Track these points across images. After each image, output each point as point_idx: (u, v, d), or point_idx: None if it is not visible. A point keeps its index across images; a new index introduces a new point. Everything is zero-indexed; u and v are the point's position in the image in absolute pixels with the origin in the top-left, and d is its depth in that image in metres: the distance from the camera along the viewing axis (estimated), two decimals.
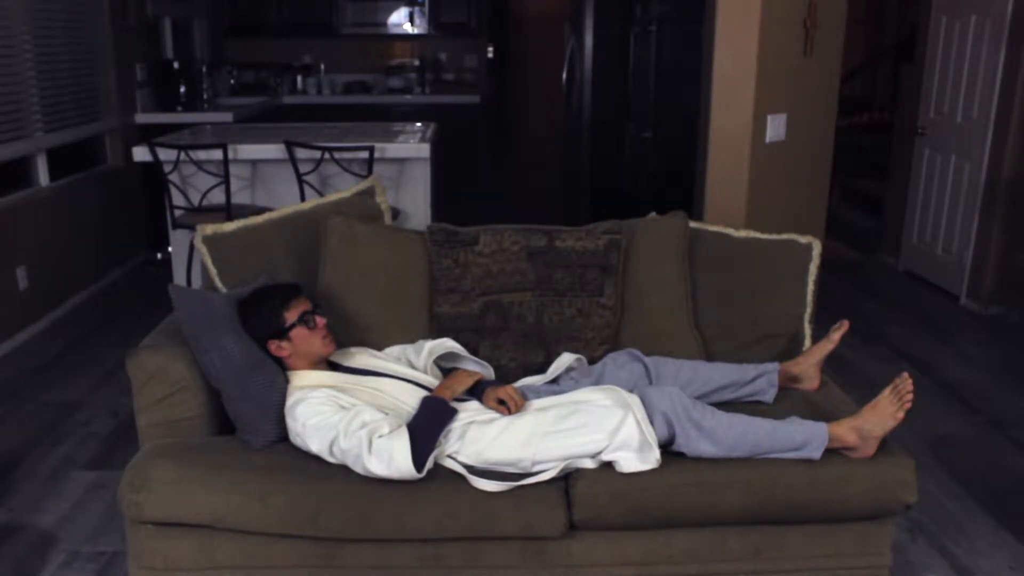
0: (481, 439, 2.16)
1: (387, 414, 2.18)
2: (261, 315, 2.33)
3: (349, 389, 2.28)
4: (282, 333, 2.31)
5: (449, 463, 2.17)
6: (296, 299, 2.36)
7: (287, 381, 2.32)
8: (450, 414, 2.19)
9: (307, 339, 2.33)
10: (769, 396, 2.51)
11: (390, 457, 2.05)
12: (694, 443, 2.15)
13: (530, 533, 2.13)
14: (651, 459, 2.12)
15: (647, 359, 2.50)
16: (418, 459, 2.05)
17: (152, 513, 2.12)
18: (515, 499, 2.11)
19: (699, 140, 3.98)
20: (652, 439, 2.12)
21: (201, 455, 2.21)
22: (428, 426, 2.13)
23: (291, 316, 2.32)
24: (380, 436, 2.08)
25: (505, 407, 2.24)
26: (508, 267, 2.66)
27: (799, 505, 2.18)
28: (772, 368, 2.52)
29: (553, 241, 2.67)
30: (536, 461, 2.13)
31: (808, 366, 2.55)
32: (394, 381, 2.35)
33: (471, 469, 2.15)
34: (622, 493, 2.12)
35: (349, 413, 2.15)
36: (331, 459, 2.16)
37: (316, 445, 2.16)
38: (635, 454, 2.12)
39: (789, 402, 2.50)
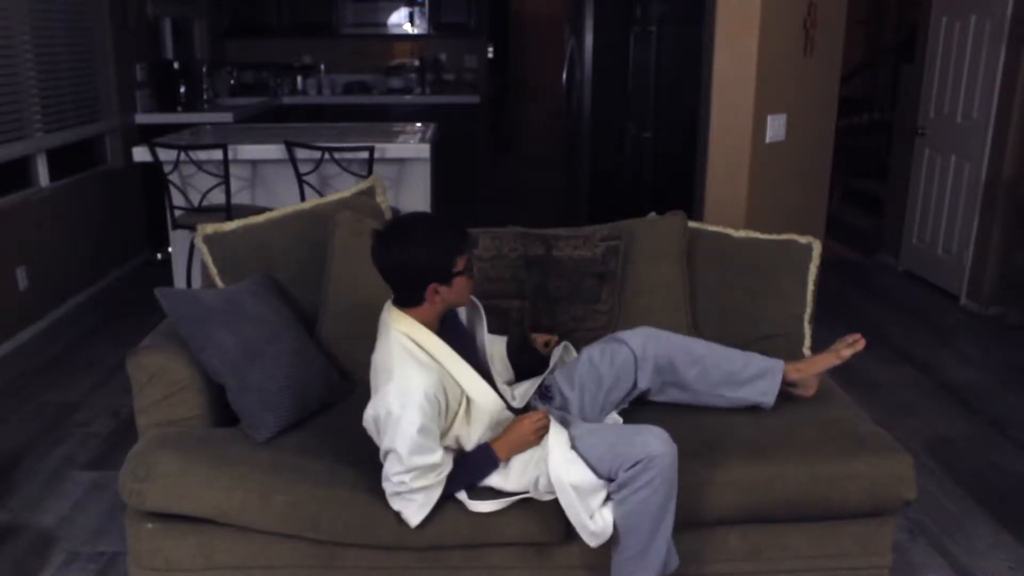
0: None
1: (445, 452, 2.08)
2: (436, 251, 2.07)
3: (445, 380, 2.10)
4: (448, 278, 2.09)
5: None
6: (467, 241, 2.16)
7: (388, 323, 2.13)
8: (493, 469, 2.12)
9: (462, 290, 2.14)
10: (770, 399, 2.39)
11: (408, 504, 2.03)
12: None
13: (530, 539, 2.13)
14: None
15: (634, 340, 2.37)
16: (425, 515, 2.05)
17: (153, 503, 2.12)
18: (514, 510, 2.11)
19: (699, 140, 3.98)
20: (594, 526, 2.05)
21: (205, 448, 2.21)
22: (465, 479, 2.09)
23: (462, 262, 2.10)
24: (421, 486, 2.02)
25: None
26: (506, 274, 2.68)
27: (799, 503, 2.18)
28: (776, 367, 2.39)
29: (551, 250, 2.68)
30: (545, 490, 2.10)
31: (808, 375, 2.43)
32: (471, 372, 2.17)
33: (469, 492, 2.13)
34: None
35: (433, 457, 2.02)
36: (382, 457, 2.05)
37: (388, 444, 2.01)
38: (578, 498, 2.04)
39: (796, 416, 2.49)
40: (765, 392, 2.39)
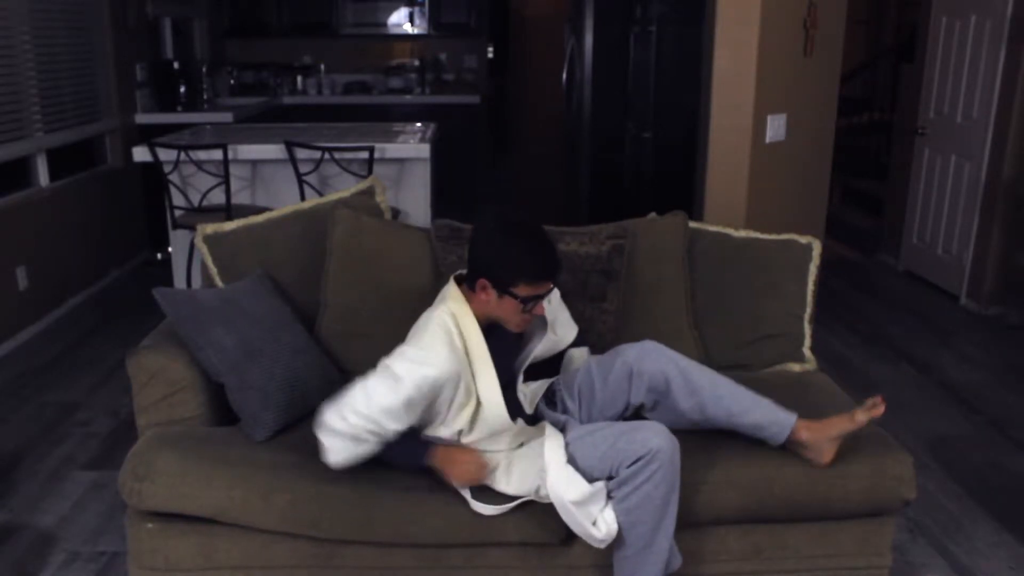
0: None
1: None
2: (509, 259, 2.09)
3: (464, 375, 2.12)
4: (501, 291, 2.11)
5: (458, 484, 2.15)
6: (551, 280, 2.15)
7: (446, 296, 2.18)
8: (415, 467, 2.13)
9: (510, 313, 2.14)
10: (777, 439, 2.21)
11: (340, 445, 2.05)
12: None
13: (530, 540, 2.13)
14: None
15: (631, 352, 2.25)
16: (344, 463, 2.08)
17: (153, 502, 2.12)
18: (515, 510, 2.11)
19: (699, 140, 3.98)
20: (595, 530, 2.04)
21: (205, 447, 2.21)
22: (391, 456, 2.11)
23: (525, 290, 2.11)
24: (365, 439, 2.05)
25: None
26: None
27: (799, 503, 2.18)
28: (786, 422, 2.18)
29: (557, 244, 2.66)
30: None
31: (821, 439, 2.17)
32: (493, 380, 2.16)
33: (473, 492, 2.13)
34: None
35: (397, 425, 2.05)
36: (350, 388, 2.06)
37: (369, 387, 2.03)
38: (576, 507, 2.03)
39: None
40: (765, 439, 2.21)
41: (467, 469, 2.10)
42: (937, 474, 3.21)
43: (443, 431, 2.16)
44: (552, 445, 2.09)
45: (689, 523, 2.16)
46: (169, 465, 2.12)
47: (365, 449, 2.08)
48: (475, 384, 2.15)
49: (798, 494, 2.17)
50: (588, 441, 2.07)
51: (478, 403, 2.16)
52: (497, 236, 2.12)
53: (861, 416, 2.13)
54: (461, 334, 2.13)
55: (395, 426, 2.06)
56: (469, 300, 2.18)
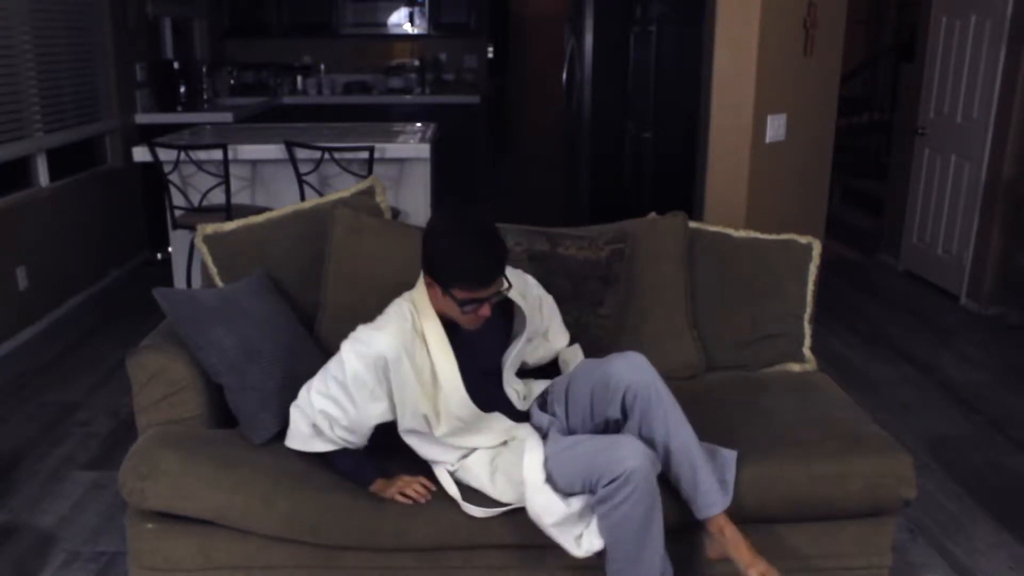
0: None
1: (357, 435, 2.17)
2: (441, 261, 2.08)
3: (418, 351, 2.14)
4: (443, 289, 2.10)
5: (446, 483, 2.17)
6: (486, 287, 2.09)
7: (413, 289, 2.23)
8: (362, 485, 2.18)
9: (454, 312, 2.13)
10: (703, 510, 2.10)
11: (299, 426, 2.17)
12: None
13: (529, 542, 2.13)
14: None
15: (615, 363, 2.16)
16: (299, 447, 2.19)
17: (154, 503, 2.11)
18: (514, 511, 2.11)
19: (699, 140, 3.98)
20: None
21: (207, 448, 2.21)
22: (343, 469, 2.19)
23: (459, 294, 2.08)
24: (318, 422, 2.13)
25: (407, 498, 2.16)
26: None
27: (799, 502, 2.18)
28: (719, 501, 2.09)
29: (556, 247, 2.66)
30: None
31: (726, 542, 2.08)
32: (451, 363, 2.17)
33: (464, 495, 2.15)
34: None
35: (339, 404, 2.11)
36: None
37: (325, 367, 2.17)
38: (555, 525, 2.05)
39: (796, 416, 2.49)
40: (696, 502, 2.11)
41: (406, 483, 2.15)
42: (937, 474, 3.21)
43: (411, 421, 2.14)
44: (531, 462, 2.09)
45: (689, 523, 2.16)
46: (172, 466, 2.12)
47: (319, 441, 2.16)
48: (432, 362, 2.17)
49: (798, 494, 2.17)
50: (567, 456, 2.08)
51: (437, 384, 2.17)
52: (441, 236, 2.10)
53: (753, 573, 2.03)
54: (418, 320, 2.17)
55: (333, 410, 2.11)
56: (430, 289, 2.19)
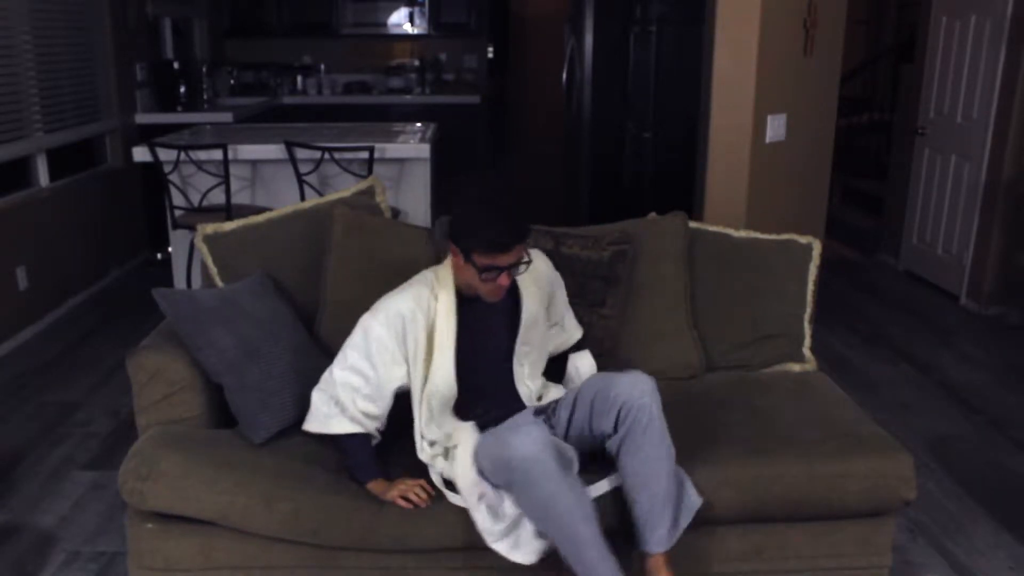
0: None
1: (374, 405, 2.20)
2: (463, 226, 2.14)
3: (425, 318, 2.21)
4: (465, 257, 2.15)
5: (435, 476, 2.18)
6: (505, 252, 2.12)
7: (435, 272, 2.29)
8: (358, 480, 2.18)
9: (474, 279, 2.17)
10: (650, 543, 2.08)
11: (314, 413, 2.23)
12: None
13: None
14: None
15: (622, 381, 2.12)
16: (316, 430, 2.22)
17: (155, 503, 2.12)
18: None
19: (699, 140, 3.98)
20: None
21: (208, 449, 2.21)
22: (349, 460, 2.21)
23: (479, 260, 2.13)
24: (338, 404, 2.19)
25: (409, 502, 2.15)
26: None
27: (799, 503, 2.18)
28: (664, 540, 2.07)
29: (559, 246, 2.66)
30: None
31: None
32: (450, 340, 2.21)
33: (448, 484, 2.17)
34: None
35: (360, 372, 2.18)
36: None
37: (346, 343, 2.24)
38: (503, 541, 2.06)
39: (796, 416, 2.49)
40: (643, 533, 2.08)
41: (408, 486, 2.14)
42: (937, 474, 3.21)
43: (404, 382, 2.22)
44: (462, 465, 2.11)
45: (689, 523, 2.16)
46: (172, 466, 2.12)
47: (337, 422, 2.19)
48: (433, 334, 2.22)
49: (798, 494, 2.17)
50: (482, 449, 2.11)
51: (431, 358, 2.21)
52: (467, 202, 2.19)
53: None
54: (436, 288, 2.24)
55: (353, 380, 2.18)
56: (454, 263, 2.25)
